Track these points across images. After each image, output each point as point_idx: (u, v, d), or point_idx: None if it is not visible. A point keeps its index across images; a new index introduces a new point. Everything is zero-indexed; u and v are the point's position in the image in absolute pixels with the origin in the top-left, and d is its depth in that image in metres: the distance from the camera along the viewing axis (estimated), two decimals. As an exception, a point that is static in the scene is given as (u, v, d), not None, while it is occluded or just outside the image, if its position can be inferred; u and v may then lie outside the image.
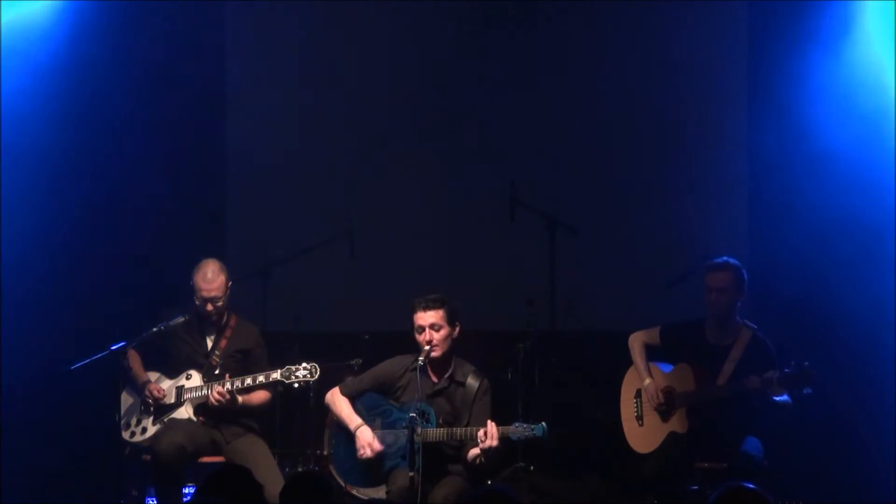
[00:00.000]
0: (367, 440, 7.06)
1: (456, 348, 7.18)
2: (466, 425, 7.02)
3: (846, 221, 8.19)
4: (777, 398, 7.03)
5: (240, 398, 7.42)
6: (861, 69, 8.27)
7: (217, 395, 7.35)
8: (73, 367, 7.32)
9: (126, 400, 7.52)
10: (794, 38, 8.44)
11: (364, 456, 7.04)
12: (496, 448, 6.86)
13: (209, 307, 7.50)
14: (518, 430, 6.86)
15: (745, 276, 7.34)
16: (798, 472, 7.79)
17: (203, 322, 7.59)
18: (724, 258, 7.39)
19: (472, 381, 7.16)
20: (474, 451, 6.92)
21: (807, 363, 6.92)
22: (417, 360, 7.01)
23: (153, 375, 7.56)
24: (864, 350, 8.11)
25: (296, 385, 7.42)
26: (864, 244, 8.14)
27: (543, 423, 6.85)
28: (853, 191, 8.21)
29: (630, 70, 8.96)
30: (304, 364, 7.36)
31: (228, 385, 7.39)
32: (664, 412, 7.27)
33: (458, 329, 7.15)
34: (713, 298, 7.30)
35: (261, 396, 7.57)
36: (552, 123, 9.06)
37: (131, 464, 7.53)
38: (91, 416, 7.94)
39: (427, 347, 7.04)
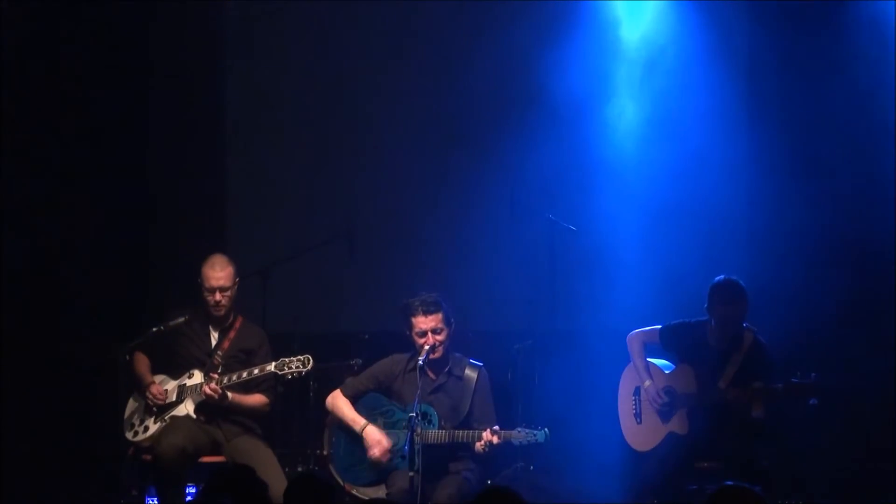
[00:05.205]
0: (377, 438, 7.06)
1: (452, 344, 7.21)
2: (468, 415, 7.07)
3: (846, 229, 8.23)
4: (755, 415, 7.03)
5: (230, 395, 7.36)
6: (861, 76, 8.32)
7: (208, 391, 7.31)
8: (70, 369, 7.36)
9: (133, 404, 7.52)
10: (794, 40, 8.49)
11: (374, 455, 7.03)
12: (495, 445, 6.90)
13: (217, 296, 7.41)
14: (520, 435, 6.89)
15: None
16: (798, 473, 7.80)
17: (209, 321, 7.57)
18: (734, 280, 7.21)
19: (470, 373, 7.19)
20: (479, 446, 6.94)
21: (814, 374, 6.88)
22: (417, 360, 7.03)
23: (159, 378, 7.53)
24: (864, 348, 8.14)
25: (289, 377, 7.35)
26: (864, 252, 8.19)
27: (546, 430, 6.88)
28: (853, 197, 8.26)
29: (629, 71, 8.97)
30: (297, 356, 7.32)
31: (222, 381, 7.37)
32: (664, 412, 7.28)
33: (453, 327, 7.17)
34: (726, 324, 7.19)
35: (256, 399, 7.49)
36: (551, 124, 9.06)
37: (131, 464, 7.52)
38: (91, 415, 7.95)
39: (428, 349, 7.05)
